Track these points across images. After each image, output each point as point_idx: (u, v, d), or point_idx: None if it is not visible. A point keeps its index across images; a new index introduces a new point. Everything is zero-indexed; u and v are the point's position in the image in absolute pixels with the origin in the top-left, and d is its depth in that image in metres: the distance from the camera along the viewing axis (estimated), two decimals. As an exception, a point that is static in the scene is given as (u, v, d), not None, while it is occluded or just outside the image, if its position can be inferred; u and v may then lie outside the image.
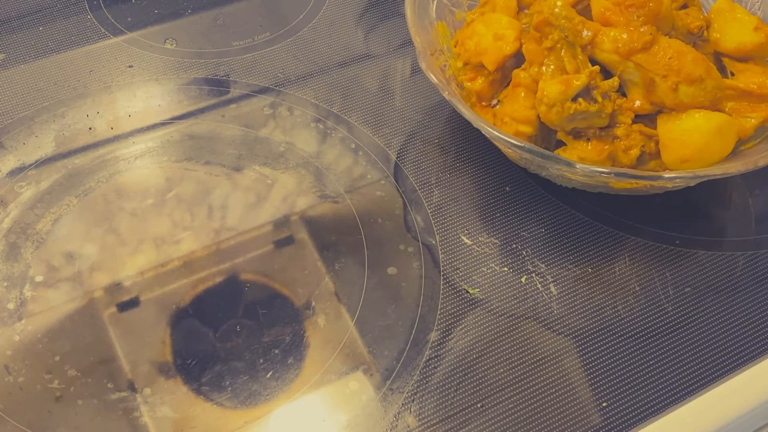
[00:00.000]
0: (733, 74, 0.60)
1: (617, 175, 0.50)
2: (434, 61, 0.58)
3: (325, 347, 0.53)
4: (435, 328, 0.54)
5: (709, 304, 0.56)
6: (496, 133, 0.51)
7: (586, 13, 0.57)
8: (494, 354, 0.53)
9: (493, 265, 0.58)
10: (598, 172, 0.50)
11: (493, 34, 0.58)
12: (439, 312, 0.54)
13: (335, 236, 0.58)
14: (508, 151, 0.59)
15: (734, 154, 0.55)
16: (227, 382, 0.51)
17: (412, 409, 0.51)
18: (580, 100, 0.53)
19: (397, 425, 0.50)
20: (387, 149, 0.63)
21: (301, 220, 0.59)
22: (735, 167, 0.50)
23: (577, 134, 0.55)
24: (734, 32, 0.59)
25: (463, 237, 0.59)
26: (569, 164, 0.50)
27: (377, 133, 0.64)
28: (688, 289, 0.57)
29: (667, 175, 0.50)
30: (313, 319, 0.54)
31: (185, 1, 0.74)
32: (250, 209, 0.59)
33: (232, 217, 0.58)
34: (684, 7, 0.59)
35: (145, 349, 0.52)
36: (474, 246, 0.58)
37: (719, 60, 0.60)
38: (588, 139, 0.54)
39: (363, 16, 0.69)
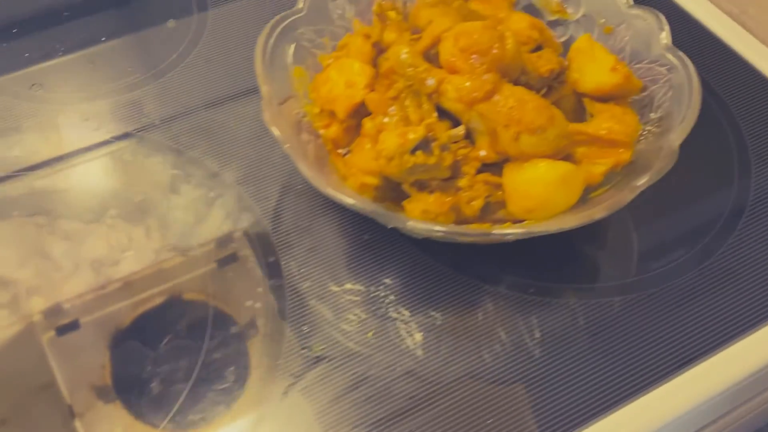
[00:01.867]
0: (592, 115, 0.59)
1: (447, 233, 0.49)
2: (286, 108, 0.57)
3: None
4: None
5: (580, 348, 0.55)
6: (330, 191, 0.50)
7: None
8: (359, 400, 0.52)
9: (358, 311, 0.57)
10: (424, 229, 0.49)
11: (344, 81, 0.57)
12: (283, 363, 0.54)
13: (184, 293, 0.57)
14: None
15: (584, 201, 0.54)
16: (168, 406, 0.51)
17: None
18: (419, 152, 0.52)
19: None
20: (248, 196, 0.62)
21: (154, 275, 0.58)
22: (570, 221, 0.49)
23: (420, 186, 0.54)
24: (592, 72, 0.58)
25: (321, 285, 0.58)
26: (402, 222, 0.49)
27: (240, 179, 0.63)
28: (558, 333, 0.56)
29: (496, 233, 0.49)
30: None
31: (57, 42, 0.72)
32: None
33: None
34: (538, 48, 0.58)
35: (84, 373, 0.52)
36: (340, 293, 0.57)
37: (580, 100, 0.60)
38: (431, 191, 0.53)
39: (235, 56, 0.67)
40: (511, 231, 0.49)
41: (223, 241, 0.59)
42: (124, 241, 0.59)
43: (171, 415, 0.51)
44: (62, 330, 0.54)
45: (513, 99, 0.52)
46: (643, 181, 0.50)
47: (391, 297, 0.58)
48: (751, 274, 0.59)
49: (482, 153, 0.54)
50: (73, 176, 0.64)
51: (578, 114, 0.60)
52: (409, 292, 0.58)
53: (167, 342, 0.54)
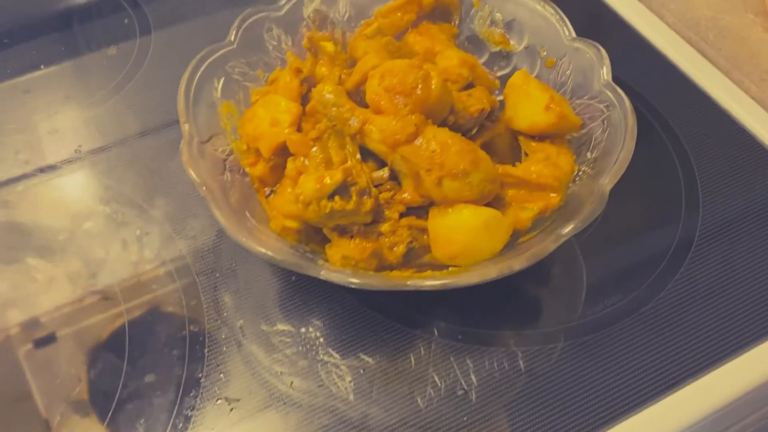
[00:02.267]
0: (527, 154, 0.57)
1: (360, 284, 0.47)
2: (211, 146, 0.55)
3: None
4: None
5: (518, 394, 0.53)
6: (242, 241, 0.48)
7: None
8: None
9: (289, 352, 0.55)
10: (338, 279, 0.47)
11: (270, 118, 0.55)
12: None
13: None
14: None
15: (512, 247, 0.52)
16: (143, 421, 0.51)
17: None
18: (337, 197, 0.50)
19: None
20: (174, 234, 0.60)
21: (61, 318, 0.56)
22: (489, 273, 0.47)
23: (342, 230, 0.52)
24: (526, 110, 0.56)
25: (243, 330, 0.56)
26: (315, 272, 0.47)
27: (169, 214, 0.61)
28: (495, 379, 0.54)
29: (411, 284, 0.47)
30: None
31: (-4, 68, 0.71)
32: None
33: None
34: (469, 86, 0.56)
35: (60, 386, 0.52)
36: (266, 335, 0.56)
37: (516, 138, 0.58)
38: (352, 236, 0.51)
39: (176, 82, 0.66)
40: (427, 283, 0.47)
41: (145, 283, 0.57)
42: (43, 280, 0.57)
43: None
44: (39, 343, 0.54)
45: (435, 142, 0.50)
46: (568, 230, 0.48)
47: (321, 339, 0.56)
48: (698, 314, 0.57)
49: (406, 196, 0.52)
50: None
51: (514, 152, 0.58)
52: (338, 334, 0.56)
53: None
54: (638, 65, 0.73)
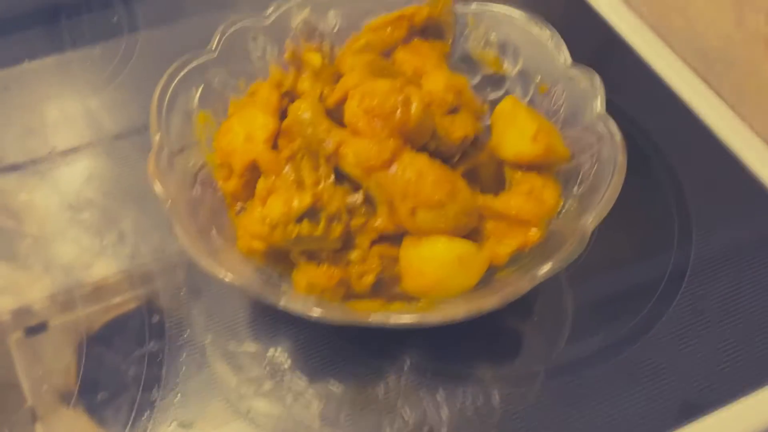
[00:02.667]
0: (511, 184, 0.55)
1: (320, 317, 0.45)
2: (183, 158, 0.53)
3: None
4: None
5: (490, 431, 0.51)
6: (203, 263, 0.46)
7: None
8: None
9: (254, 374, 0.53)
10: (300, 310, 0.45)
11: (245, 133, 0.53)
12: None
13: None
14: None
15: (487, 282, 0.50)
16: (133, 414, 0.50)
17: None
18: (305, 222, 0.48)
19: None
20: (142, 246, 0.58)
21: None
22: (458, 311, 0.45)
23: (310, 255, 0.50)
24: (513, 140, 0.54)
25: (205, 350, 0.54)
26: (275, 301, 0.45)
27: (139, 225, 0.59)
28: (467, 416, 0.52)
29: (374, 321, 0.44)
30: None
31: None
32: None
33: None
34: (454, 110, 0.54)
35: (49, 376, 0.51)
36: (229, 357, 0.54)
37: (501, 167, 0.55)
38: (320, 263, 0.49)
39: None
40: (390, 321, 0.44)
41: (105, 294, 0.55)
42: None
43: (132, 423, 0.50)
44: (31, 331, 0.53)
45: (411, 170, 0.48)
46: (544, 271, 0.46)
47: (289, 363, 0.54)
48: (687, 358, 0.54)
49: (379, 223, 0.49)
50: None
51: (499, 181, 0.55)
52: (307, 359, 0.54)
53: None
54: (639, 92, 0.70)
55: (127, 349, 0.53)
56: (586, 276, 0.58)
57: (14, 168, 0.63)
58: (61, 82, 0.69)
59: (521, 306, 0.57)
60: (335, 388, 0.53)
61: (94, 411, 0.50)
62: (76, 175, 0.63)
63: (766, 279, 0.59)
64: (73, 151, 0.64)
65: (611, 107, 0.68)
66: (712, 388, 0.53)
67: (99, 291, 0.55)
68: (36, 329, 0.54)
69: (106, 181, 0.62)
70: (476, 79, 0.62)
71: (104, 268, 0.57)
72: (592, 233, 0.59)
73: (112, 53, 0.71)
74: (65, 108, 0.67)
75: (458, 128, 0.52)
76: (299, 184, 0.50)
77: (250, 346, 0.55)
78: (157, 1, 0.75)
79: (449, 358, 0.55)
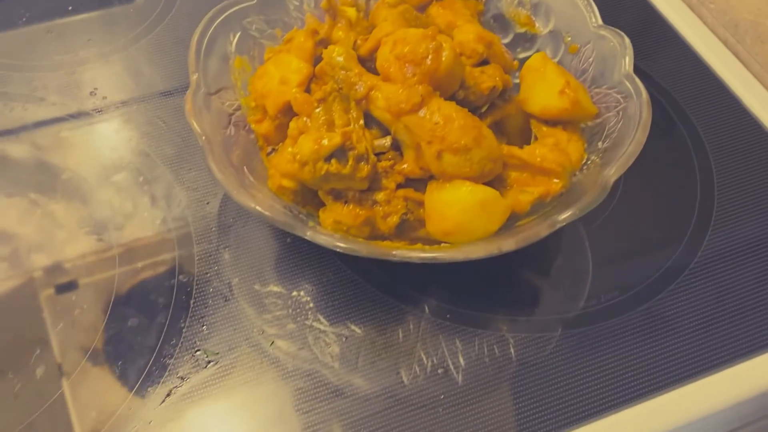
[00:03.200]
0: (537, 138, 0.56)
1: (344, 249, 0.46)
2: (219, 99, 0.55)
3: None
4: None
5: (506, 380, 0.52)
6: (234, 194, 0.48)
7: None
8: (274, 412, 0.50)
9: (278, 313, 0.55)
10: (325, 242, 0.46)
11: (280, 77, 0.55)
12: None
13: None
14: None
15: (508, 228, 0.51)
16: (120, 363, 0.51)
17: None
18: (334, 161, 0.49)
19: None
20: (176, 185, 0.60)
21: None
22: (477, 251, 0.46)
23: (337, 195, 0.51)
24: (540, 94, 0.55)
25: (232, 286, 0.56)
26: (302, 232, 0.47)
27: (177, 173, 0.61)
28: (484, 363, 0.53)
29: (396, 253, 0.46)
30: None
31: (23, 8, 0.71)
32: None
33: None
34: (484, 63, 0.55)
35: (77, 333, 0.53)
36: (255, 295, 0.55)
37: (528, 121, 0.56)
38: (346, 202, 0.51)
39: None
40: (412, 255, 0.46)
41: (140, 228, 0.57)
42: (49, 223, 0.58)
43: (157, 385, 0.51)
44: (61, 288, 0.55)
45: (439, 115, 0.49)
46: (564, 216, 0.47)
47: (311, 304, 0.56)
48: (695, 320, 0.55)
49: (405, 167, 0.51)
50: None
51: (525, 135, 0.57)
52: (329, 301, 0.56)
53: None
54: (670, 62, 0.71)
55: (158, 279, 0.55)
56: (607, 233, 0.59)
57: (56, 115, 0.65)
58: (98, 30, 0.71)
59: (542, 259, 0.59)
60: (356, 329, 0.55)
61: (123, 338, 0.52)
62: (118, 128, 0.64)
63: None
64: (112, 101, 0.66)
65: (642, 74, 0.69)
66: (713, 349, 0.54)
67: (131, 251, 0.57)
68: (67, 287, 0.55)
69: (142, 130, 0.64)
70: (508, 38, 0.63)
71: (144, 223, 0.58)
72: (616, 191, 0.61)
73: (151, 7, 0.72)
74: (108, 57, 0.69)
75: (487, 79, 0.53)
76: (330, 125, 0.51)
77: (275, 287, 0.56)
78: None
79: (469, 305, 0.56)
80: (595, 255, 0.59)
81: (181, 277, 0.55)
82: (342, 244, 0.46)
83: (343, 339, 0.54)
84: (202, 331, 0.53)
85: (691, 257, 0.58)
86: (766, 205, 0.62)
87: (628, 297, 0.56)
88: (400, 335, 0.55)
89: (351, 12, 0.60)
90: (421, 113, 0.49)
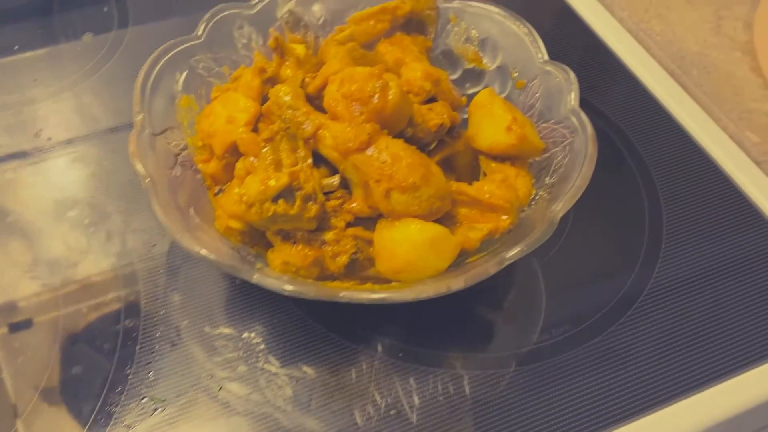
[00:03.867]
0: (485, 174, 0.56)
1: (292, 292, 0.45)
2: (162, 139, 0.54)
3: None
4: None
5: (461, 418, 0.52)
6: (177, 236, 0.47)
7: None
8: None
9: (229, 356, 0.54)
10: (273, 285, 0.46)
11: (227, 116, 0.54)
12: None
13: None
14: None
15: (458, 265, 0.51)
16: (106, 388, 0.51)
17: None
18: (281, 201, 0.49)
19: None
20: (126, 229, 0.59)
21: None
22: (426, 291, 0.46)
23: (285, 235, 0.51)
24: (488, 130, 0.55)
25: (179, 329, 0.55)
26: (248, 276, 0.46)
27: (121, 209, 0.60)
28: (439, 402, 0.52)
29: (343, 294, 0.45)
30: None
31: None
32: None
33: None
34: (432, 100, 0.55)
35: (32, 373, 0.51)
36: (203, 338, 0.54)
37: (477, 157, 0.56)
38: (295, 242, 0.50)
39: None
40: (360, 296, 0.45)
41: (86, 272, 0.56)
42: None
43: (113, 423, 0.50)
44: (15, 327, 0.54)
45: (387, 153, 0.49)
46: (512, 254, 0.47)
47: (263, 346, 0.55)
48: (647, 353, 0.55)
49: (354, 206, 0.50)
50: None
51: (474, 171, 0.57)
52: (281, 343, 0.55)
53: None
54: (618, 94, 0.72)
55: (103, 324, 0.53)
56: (559, 266, 0.59)
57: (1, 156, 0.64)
58: (45, 69, 0.70)
59: (496, 293, 0.59)
60: (308, 371, 0.54)
61: (67, 386, 0.51)
62: (65, 168, 0.63)
63: (731, 262, 0.60)
64: (58, 141, 0.65)
65: (589, 107, 0.70)
66: (665, 382, 0.54)
67: (76, 294, 0.56)
68: (20, 325, 0.54)
69: (87, 170, 0.63)
70: (457, 74, 0.63)
71: (91, 265, 0.57)
72: (566, 224, 0.61)
73: (98, 46, 0.72)
74: (55, 96, 0.68)
75: (435, 116, 0.53)
76: (277, 165, 0.51)
77: (226, 329, 0.55)
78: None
79: (422, 343, 0.55)
80: (549, 287, 0.59)
81: (127, 321, 0.54)
82: (290, 287, 0.46)
83: (296, 381, 0.53)
84: (149, 377, 0.52)
85: (641, 287, 0.58)
86: (713, 233, 0.62)
87: (580, 330, 0.56)
88: (354, 375, 0.54)
89: (300, 49, 0.60)
90: (369, 152, 0.49)
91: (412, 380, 0.54)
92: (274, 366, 0.54)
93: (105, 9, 0.75)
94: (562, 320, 0.57)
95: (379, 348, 0.55)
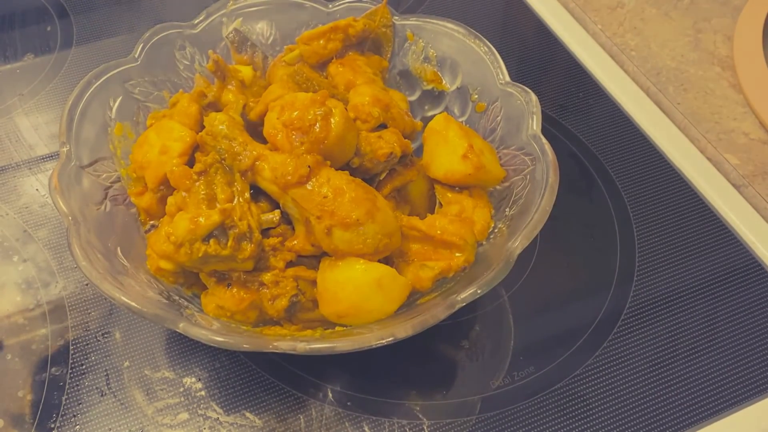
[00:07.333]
0: (441, 205, 0.52)
1: (220, 343, 0.41)
2: (91, 172, 0.50)
3: None
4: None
5: None
6: (96, 281, 0.43)
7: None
8: None
9: (170, 402, 0.50)
10: (202, 336, 0.41)
11: (161, 146, 0.50)
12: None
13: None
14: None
15: (410, 306, 0.47)
16: None
17: None
18: (212, 241, 0.44)
19: None
20: (61, 272, 0.55)
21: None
22: (368, 340, 0.42)
23: (220, 277, 0.46)
24: (443, 158, 0.51)
25: (115, 376, 0.51)
26: (173, 325, 0.42)
27: (55, 251, 0.56)
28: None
29: (274, 346, 0.41)
30: None
31: None
32: None
33: None
34: (382, 126, 0.51)
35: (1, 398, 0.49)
36: (153, 382, 0.51)
37: (433, 186, 0.53)
38: (229, 285, 0.46)
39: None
40: (296, 346, 0.41)
41: (11, 314, 0.52)
42: None
43: None
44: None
45: (328, 187, 0.45)
46: (464, 296, 0.43)
47: (203, 392, 0.51)
48: (614, 395, 0.52)
49: (296, 244, 0.46)
50: None
51: (431, 201, 0.53)
52: (224, 389, 0.51)
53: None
54: (590, 114, 0.68)
55: (26, 374, 0.49)
56: (525, 301, 0.56)
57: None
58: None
59: (459, 330, 0.55)
60: (254, 419, 0.50)
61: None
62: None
63: (704, 287, 0.57)
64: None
65: (560, 128, 0.66)
66: (653, 421, 0.50)
67: (7, 320, 0.52)
68: None
69: (21, 212, 0.59)
70: (415, 95, 0.59)
71: (7, 312, 0.53)
72: (533, 253, 0.57)
73: (39, 68, 0.68)
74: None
75: (384, 145, 0.49)
76: (211, 200, 0.46)
77: (166, 373, 0.51)
78: (95, 16, 0.72)
79: (376, 388, 0.51)
80: (517, 320, 0.55)
81: (53, 369, 0.50)
82: (218, 338, 0.41)
83: (240, 429, 0.49)
84: (75, 430, 0.48)
85: (611, 324, 0.55)
86: (687, 251, 0.59)
87: (548, 371, 0.52)
88: (302, 424, 0.50)
89: (246, 71, 0.56)
90: (309, 186, 0.45)
91: (366, 428, 0.50)
92: (217, 413, 0.50)
93: (48, 28, 0.70)
94: (530, 358, 0.53)
95: (330, 394, 0.51)
